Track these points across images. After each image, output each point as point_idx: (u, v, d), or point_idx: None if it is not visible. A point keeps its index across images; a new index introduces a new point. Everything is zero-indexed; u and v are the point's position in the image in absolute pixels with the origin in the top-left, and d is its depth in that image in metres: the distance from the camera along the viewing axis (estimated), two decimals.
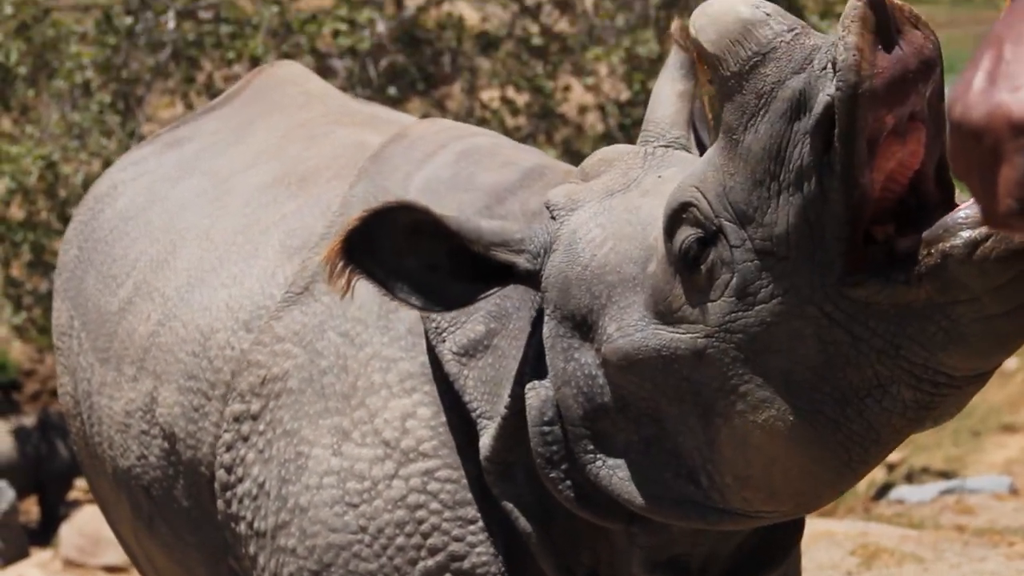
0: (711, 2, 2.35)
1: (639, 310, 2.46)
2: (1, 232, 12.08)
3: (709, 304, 2.36)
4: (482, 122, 12.49)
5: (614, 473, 2.56)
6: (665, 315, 2.42)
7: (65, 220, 11.94)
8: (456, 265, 2.63)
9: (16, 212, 12.31)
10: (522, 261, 2.63)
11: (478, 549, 2.76)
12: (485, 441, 2.72)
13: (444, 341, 2.78)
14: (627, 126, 12.65)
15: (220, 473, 3.05)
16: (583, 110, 13.32)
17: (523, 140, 11.69)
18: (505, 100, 12.89)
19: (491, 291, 2.65)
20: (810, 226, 2.24)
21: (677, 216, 2.39)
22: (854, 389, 2.30)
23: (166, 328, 3.28)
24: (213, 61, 12.22)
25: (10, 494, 13.29)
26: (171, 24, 11.90)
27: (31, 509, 15.04)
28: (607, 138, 12.94)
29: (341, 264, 2.55)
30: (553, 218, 2.64)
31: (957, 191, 2.32)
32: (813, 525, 6.96)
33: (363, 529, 2.81)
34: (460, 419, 2.78)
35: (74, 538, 13.15)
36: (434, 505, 2.77)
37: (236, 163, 3.56)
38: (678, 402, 2.45)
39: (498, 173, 2.95)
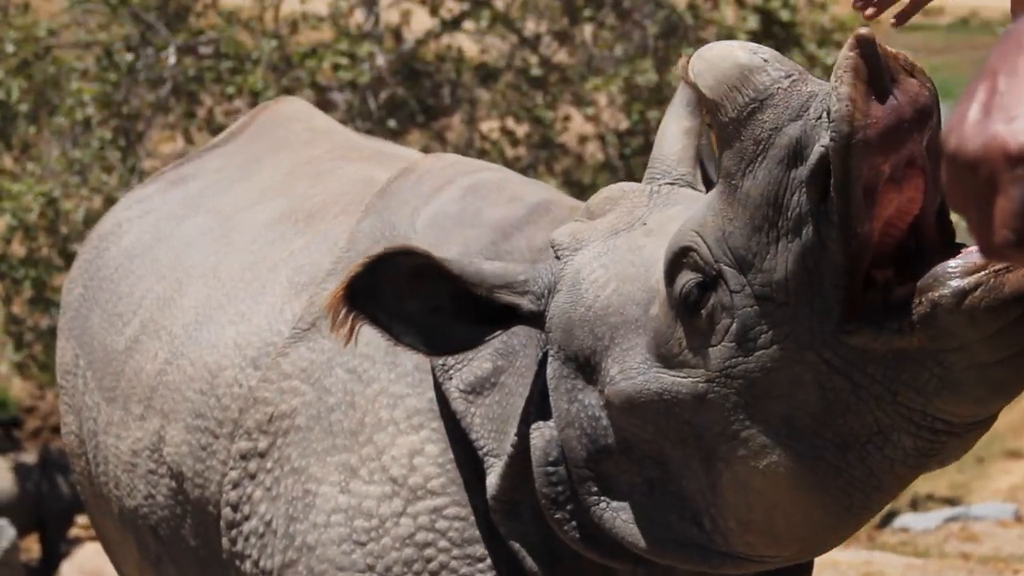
0: (709, 47, 2.36)
1: (641, 353, 2.45)
2: (2, 269, 12.08)
3: (710, 349, 2.36)
4: (482, 153, 12.52)
5: (618, 515, 2.55)
6: (667, 358, 2.42)
7: (66, 256, 11.95)
8: (459, 307, 2.62)
9: (17, 249, 12.32)
10: (526, 302, 2.62)
11: None
12: (491, 480, 2.71)
13: (451, 378, 2.77)
14: (627, 155, 12.68)
15: (226, 511, 3.03)
16: (583, 140, 13.36)
17: (523, 170, 11.73)
18: (505, 131, 12.92)
19: (495, 334, 2.65)
20: (809, 273, 2.24)
21: (677, 260, 2.39)
22: (855, 435, 2.29)
23: (173, 366, 3.27)
24: (213, 96, 12.25)
25: (11, 532, 13.25)
26: (171, 60, 11.93)
27: (32, 547, 14.99)
28: (607, 167, 12.98)
29: (344, 311, 2.56)
30: (557, 257, 2.64)
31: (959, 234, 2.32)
32: None
33: (371, 568, 2.80)
34: (468, 456, 2.77)
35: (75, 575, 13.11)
36: (442, 543, 2.75)
37: (242, 200, 3.56)
38: (681, 445, 2.44)
39: (504, 209, 2.95)
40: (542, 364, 2.68)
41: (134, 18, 11.98)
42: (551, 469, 2.61)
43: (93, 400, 3.58)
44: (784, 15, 11.52)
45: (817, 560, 2.85)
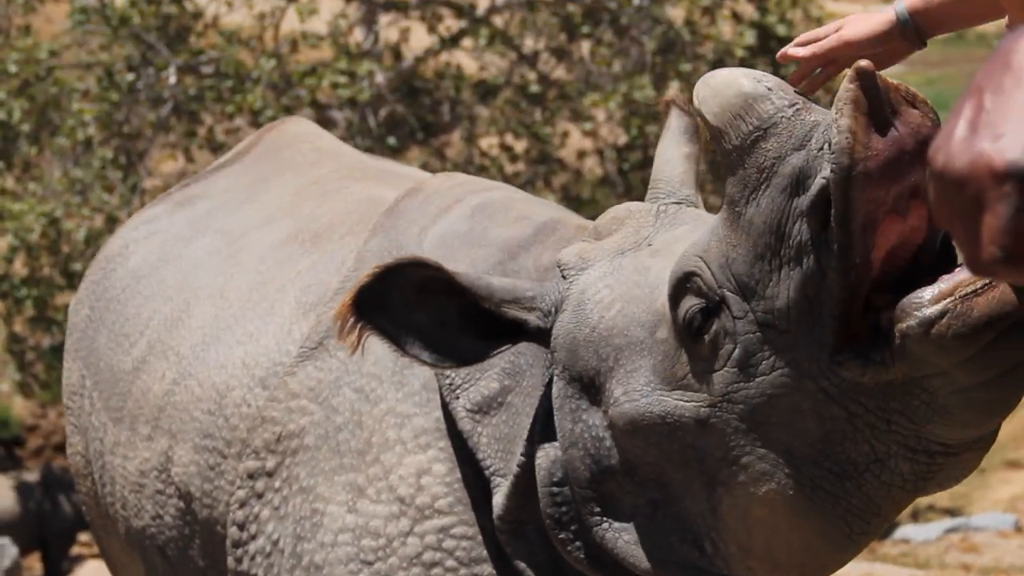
0: (714, 74, 2.37)
1: (645, 375, 2.47)
2: (4, 289, 12.09)
3: (713, 374, 2.37)
4: (481, 169, 12.54)
5: (620, 536, 2.56)
6: (670, 382, 2.43)
7: (68, 276, 11.96)
8: (466, 322, 2.63)
9: (19, 268, 12.32)
10: (533, 319, 2.63)
11: None
12: (498, 500, 2.72)
13: (458, 398, 2.78)
14: (625, 170, 12.70)
15: (232, 530, 3.03)
16: (581, 155, 13.37)
17: (522, 186, 11.74)
18: (504, 147, 12.94)
19: (501, 348, 2.65)
20: (809, 302, 2.25)
21: (681, 285, 2.40)
22: (853, 464, 2.30)
23: (181, 387, 3.27)
24: (214, 115, 12.27)
25: (13, 551, 13.23)
26: (172, 79, 11.96)
27: (34, 566, 14.97)
28: (605, 182, 13.00)
29: (352, 321, 2.56)
30: (564, 277, 2.65)
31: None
32: None
33: None
34: (475, 475, 2.78)
35: None
36: (450, 563, 2.76)
37: (249, 221, 3.56)
38: (683, 468, 2.45)
39: (511, 228, 2.96)
40: (548, 384, 2.69)
41: (135, 38, 12.00)
42: (555, 490, 2.62)
43: (100, 421, 3.59)
44: (781, 30, 11.55)
45: None
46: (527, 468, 2.68)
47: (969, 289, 2.15)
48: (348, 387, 2.93)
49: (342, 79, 11.89)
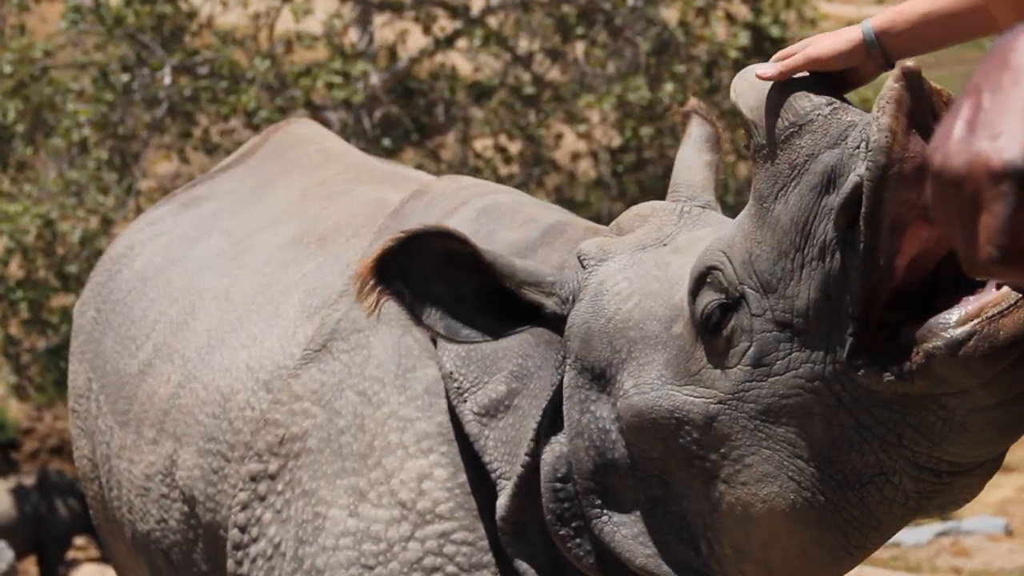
0: (753, 67, 2.37)
1: (657, 369, 2.46)
2: None
3: (725, 371, 2.36)
4: (475, 171, 12.53)
5: (618, 530, 2.56)
6: (682, 377, 2.43)
7: (63, 278, 11.94)
8: (483, 300, 2.62)
9: (14, 270, 12.30)
10: (551, 304, 2.63)
11: None
12: (501, 501, 2.71)
13: (465, 401, 2.78)
14: (619, 172, 12.70)
15: (233, 532, 3.03)
16: (575, 157, 13.37)
17: (516, 187, 11.71)
18: (498, 148, 12.94)
19: (516, 330, 2.65)
20: (829, 302, 2.24)
21: (702, 279, 2.39)
22: (857, 474, 2.29)
23: (186, 390, 3.27)
24: (209, 116, 12.25)
25: (9, 554, 13.20)
26: (167, 80, 11.95)
27: (30, 569, 14.93)
28: (599, 184, 13.00)
29: (372, 283, 2.55)
30: (583, 267, 2.64)
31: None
32: None
33: None
34: (477, 480, 2.78)
35: None
36: (450, 568, 2.76)
37: (255, 222, 3.56)
38: (686, 465, 2.45)
39: (518, 231, 2.95)
40: (557, 387, 2.70)
41: (130, 39, 11.99)
42: (559, 485, 2.62)
43: (106, 424, 3.58)
44: (774, 31, 11.55)
45: None
46: (531, 468, 2.68)
47: (995, 311, 2.14)
48: (351, 390, 2.93)
49: (337, 80, 11.88)
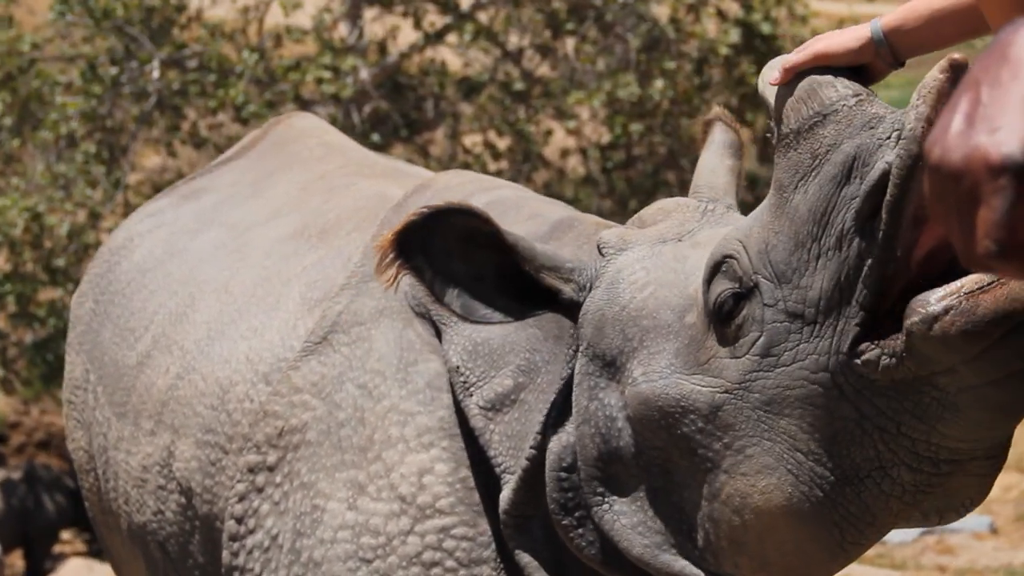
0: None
1: (667, 358, 2.47)
2: None
3: (733, 360, 2.37)
4: (464, 167, 12.52)
5: (618, 519, 2.57)
6: (691, 366, 2.43)
7: (50, 271, 11.90)
8: (502, 281, 2.63)
9: (1, 264, 12.26)
10: (568, 290, 2.64)
11: None
12: (505, 494, 2.72)
13: (471, 395, 2.78)
14: (608, 169, 12.69)
15: (230, 523, 3.03)
16: (565, 153, 13.36)
17: None
18: (487, 144, 12.93)
19: (533, 313, 2.65)
20: (841, 292, 2.24)
21: (717, 268, 2.40)
22: (855, 469, 2.30)
23: (185, 381, 3.27)
24: (197, 110, 12.22)
25: None
26: (155, 73, 11.91)
27: (16, 563, 14.89)
28: (588, 181, 12.99)
29: (392, 256, 2.55)
30: (602, 255, 2.65)
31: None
32: None
33: None
34: (479, 476, 2.78)
35: None
36: (450, 563, 2.76)
37: (255, 215, 3.56)
38: (689, 455, 2.46)
39: (526, 225, 2.95)
40: (566, 380, 2.70)
41: (118, 31, 11.95)
42: (564, 475, 2.63)
43: (103, 415, 3.58)
44: (765, 28, 11.56)
45: None
46: (536, 461, 2.68)
47: (976, 286, 2.14)
48: (351, 383, 2.93)
49: (326, 74, 11.86)
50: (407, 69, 12.98)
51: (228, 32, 12.51)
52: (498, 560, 2.75)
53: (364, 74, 12.37)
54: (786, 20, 11.84)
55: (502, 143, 13.04)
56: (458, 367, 2.79)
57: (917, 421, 2.24)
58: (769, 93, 2.37)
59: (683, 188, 12.40)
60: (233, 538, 3.02)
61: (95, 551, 14.34)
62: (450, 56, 13.51)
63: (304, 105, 12.03)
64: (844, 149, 2.22)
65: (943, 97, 2.12)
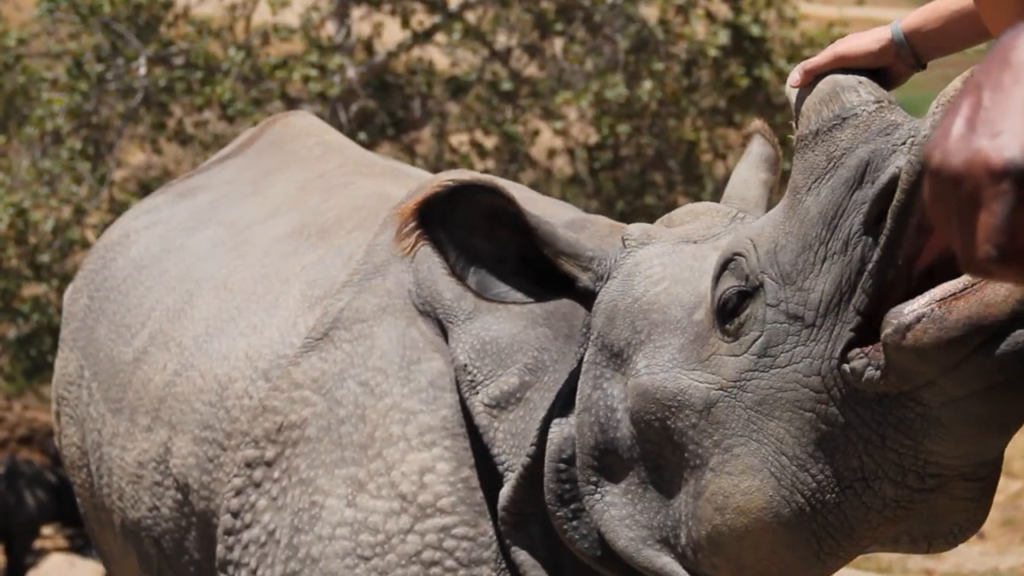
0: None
1: (671, 352, 2.48)
2: None
3: (732, 358, 2.38)
4: (451, 166, 12.51)
5: (608, 510, 2.57)
6: (692, 361, 2.44)
7: (35, 267, 11.86)
8: (523, 264, 2.62)
9: None
10: (585, 278, 2.64)
11: None
12: (504, 491, 2.72)
13: (477, 393, 2.78)
14: (596, 169, 12.69)
15: (225, 518, 3.02)
16: (552, 154, 13.36)
17: None
18: (474, 144, 12.93)
19: (550, 298, 2.64)
20: (841, 296, 2.24)
21: (726, 265, 2.41)
22: (837, 477, 2.29)
23: (182, 378, 3.26)
24: (184, 107, 12.18)
25: None
26: (142, 70, 11.87)
27: None
28: (575, 181, 12.99)
29: (413, 225, 2.53)
30: (624, 247, 2.66)
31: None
32: None
33: None
34: (481, 476, 2.78)
35: None
36: (449, 562, 2.75)
37: (253, 213, 3.56)
38: (680, 451, 2.46)
39: None
40: (571, 375, 2.70)
41: (105, 28, 11.90)
42: (562, 466, 2.63)
43: (98, 411, 3.56)
44: (755, 30, 11.56)
45: None
46: (537, 457, 2.68)
47: (948, 293, 2.12)
48: (353, 380, 2.92)
49: (313, 73, 11.83)
50: (394, 68, 12.96)
51: (215, 29, 12.47)
52: (499, 561, 2.75)
53: (351, 73, 12.34)
54: (775, 22, 11.85)
55: (489, 143, 13.03)
56: (465, 365, 2.79)
57: (903, 436, 2.23)
58: (794, 95, 2.38)
59: (670, 189, 12.42)
60: (228, 532, 3.01)
61: (76, 547, 14.31)
62: (438, 55, 13.50)
63: (291, 103, 12.00)
64: (859, 153, 2.22)
65: None
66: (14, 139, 12.24)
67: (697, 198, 11.81)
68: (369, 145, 12.34)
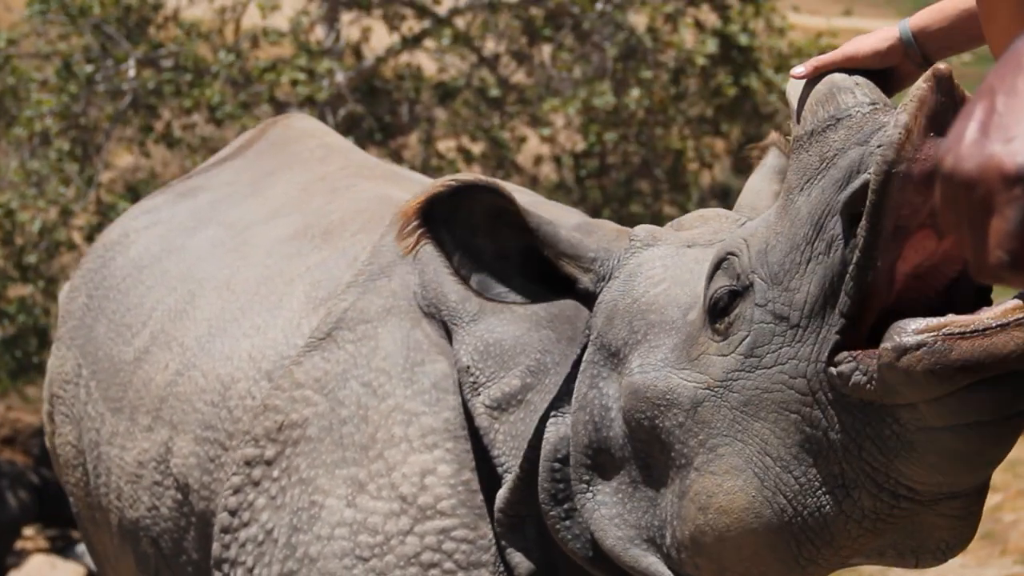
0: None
1: (664, 352, 2.49)
2: None
3: (720, 358, 2.39)
4: (438, 171, 12.50)
5: (598, 508, 2.58)
6: (681, 361, 2.45)
7: (21, 268, 11.82)
8: (526, 262, 2.63)
9: None
10: (585, 280, 2.65)
11: None
12: (501, 492, 2.73)
13: (479, 395, 2.78)
14: (582, 177, 12.70)
15: (222, 515, 3.02)
16: (538, 160, 13.36)
17: None
18: (461, 149, 12.93)
19: (551, 298, 2.65)
20: (825, 299, 2.24)
21: (719, 264, 2.42)
22: (819, 481, 2.29)
23: (184, 377, 3.26)
24: (172, 110, 12.16)
25: None
26: (131, 72, 11.84)
27: None
28: (561, 188, 12.99)
29: (415, 224, 2.55)
30: (629, 248, 2.67)
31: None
32: None
33: None
34: (482, 479, 2.79)
35: None
36: (448, 565, 2.75)
37: (255, 215, 3.56)
38: (667, 450, 2.47)
39: None
40: (568, 381, 2.71)
41: (94, 29, 11.88)
42: (556, 466, 2.64)
43: (97, 410, 3.56)
44: (743, 40, 11.58)
45: None
46: (534, 459, 2.69)
47: (958, 330, 2.11)
48: (355, 380, 2.93)
49: (301, 76, 11.82)
50: (383, 73, 12.96)
51: (204, 32, 12.46)
52: (497, 564, 2.75)
53: (340, 77, 12.34)
54: (763, 32, 11.87)
55: (476, 149, 13.03)
56: (468, 367, 2.80)
57: (877, 450, 2.22)
58: (792, 96, 2.39)
59: (656, 197, 12.43)
60: (225, 530, 3.01)
61: (58, 548, 14.24)
62: (426, 61, 13.50)
63: (279, 107, 11.99)
64: (850, 155, 2.22)
65: (924, 107, 2.11)
66: (2, 140, 12.20)
67: (683, 207, 11.84)
68: None
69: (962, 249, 1.36)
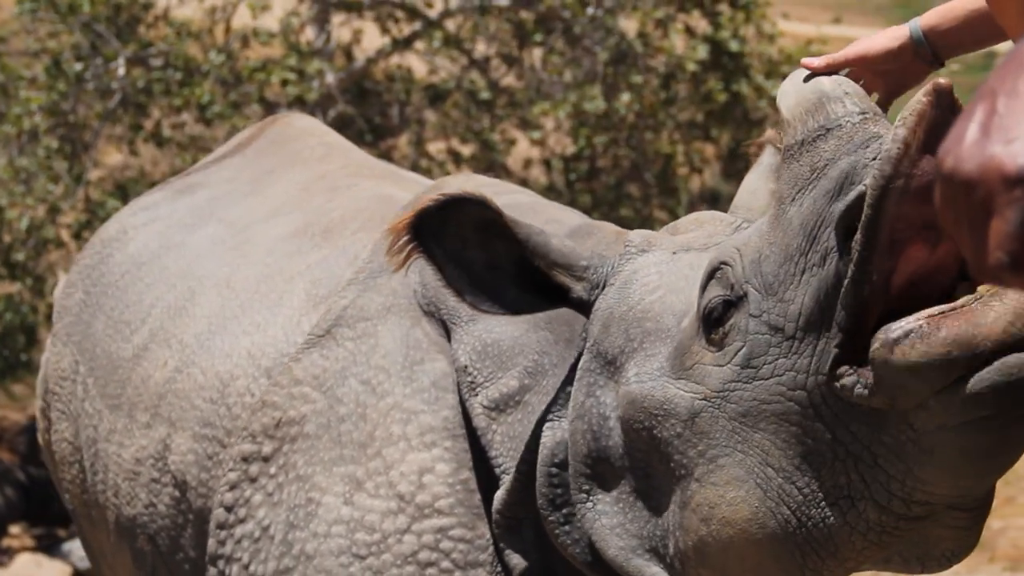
0: (803, 70, 2.40)
1: (660, 360, 2.49)
2: None
3: (716, 368, 2.38)
4: (427, 173, 12.49)
5: (599, 518, 2.58)
6: (677, 370, 2.45)
7: (9, 266, 11.79)
8: (519, 271, 2.64)
9: None
10: (579, 289, 2.65)
11: None
12: (499, 494, 2.73)
13: (476, 395, 2.78)
14: (572, 180, 12.71)
15: (218, 512, 3.02)
16: (528, 164, 13.37)
17: None
18: (451, 152, 12.93)
19: (543, 308, 2.65)
20: (821, 311, 2.24)
21: (712, 274, 2.42)
22: (824, 492, 2.28)
23: (183, 375, 3.26)
24: (161, 109, 12.14)
25: None
26: (121, 71, 11.82)
27: None
28: (551, 191, 13.01)
29: (405, 240, 2.56)
30: (624, 254, 2.67)
31: None
32: None
33: None
34: (481, 479, 2.79)
35: None
36: (445, 564, 2.75)
37: (255, 212, 3.56)
38: (666, 460, 2.47)
39: (545, 229, 2.96)
40: (564, 384, 2.71)
41: (84, 27, 11.86)
42: (554, 471, 2.64)
43: (94, 407, 3.55)
44: (733, 46, 11.61)
45: None
46: (532, 461, 2.69)
47: (939, 311, 2.13)
48: (354, 378, 2.93)
49: (291, 77, 11.81)
50: (373, 74, 12.96)
51: (195, 32, 12.44)
52: (495, 564, 2.75)
53: (330, 78, 12.33)
54: (754, 38, 11.90)
55: (466, 151, 13.03)
56: (466, 367, 2.80)
57: (895, 458, 2.22)
58: (783, 103, 2.38)
59: (646, 202, 12.44)
60: (221, 526, 3.01)
61: (44, 546, 14.19)
62: (416, 63, 13.50)
63: (269, 107, 11.97)
64: (840, 165, 2.23)
65: (923, 121, 2.11)
66: None
67: (672, 211, 11.85)
68: None
69: (962, 250, 1.36)
